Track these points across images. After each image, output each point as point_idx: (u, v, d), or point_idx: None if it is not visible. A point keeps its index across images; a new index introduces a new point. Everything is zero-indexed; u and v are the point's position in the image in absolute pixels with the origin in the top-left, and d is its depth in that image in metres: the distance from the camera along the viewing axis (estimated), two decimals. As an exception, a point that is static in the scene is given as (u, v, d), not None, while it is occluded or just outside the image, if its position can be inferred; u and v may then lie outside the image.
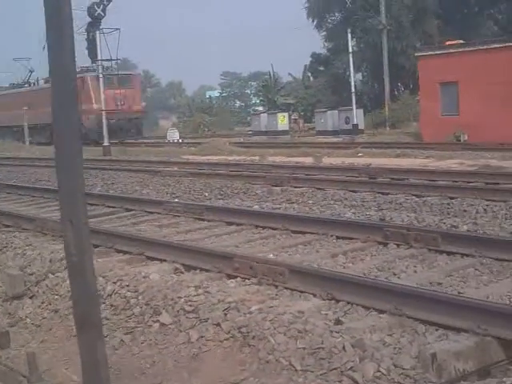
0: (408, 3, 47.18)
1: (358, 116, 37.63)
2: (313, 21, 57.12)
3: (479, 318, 4.58)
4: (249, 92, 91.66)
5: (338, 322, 4.91)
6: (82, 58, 37.28)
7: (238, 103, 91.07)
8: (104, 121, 32.68)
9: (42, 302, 6.54)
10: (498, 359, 4.38)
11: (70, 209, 2.99)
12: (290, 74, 67.46)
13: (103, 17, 34.48)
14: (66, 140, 2.97)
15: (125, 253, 7.88)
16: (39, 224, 9.77)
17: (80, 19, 34.22)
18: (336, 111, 39.74)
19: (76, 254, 3.01)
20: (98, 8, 34.29)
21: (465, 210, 10.10)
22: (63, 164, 3.00)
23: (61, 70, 2.94)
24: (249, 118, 60.60)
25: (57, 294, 6.56)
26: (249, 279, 6.30)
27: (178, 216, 10.51)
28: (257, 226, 9.18)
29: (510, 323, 4.44)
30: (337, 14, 56.58)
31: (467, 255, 6.87)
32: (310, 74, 61.38)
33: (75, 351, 5.11)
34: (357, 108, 37.87)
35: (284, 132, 41.74)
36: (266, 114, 44.78)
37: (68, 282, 6.43)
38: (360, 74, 53.38)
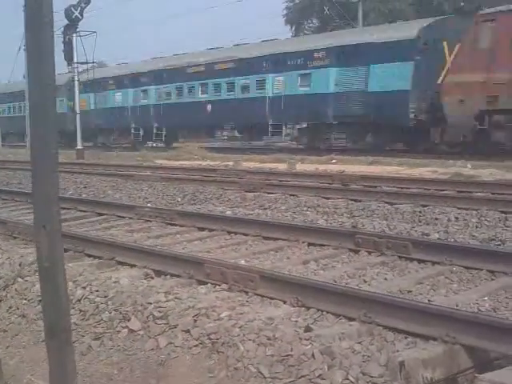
0: (385, 11, 47.51)
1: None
2: (291, 27, 57.45)
3: (448, 325, 4.59)
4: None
5: (307, 329, 4.90)
6: (57, 61, 36.99)
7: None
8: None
9: (10, 307, 6.45)
10: (466, 367, 4.39)
11: (44, 214, 2.97)
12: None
13: (80, 19, 34.25)
14: (42, 144, 2.95)
15: (95, 257, 7.82)
16: (10, 227, 9.67)
17: (57, 21, 34.00)
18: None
19: (48, 259, 2.98)
20: (76, 10, 34.04)
21: (436, 218, 10.16)
22: (38, 169, 2.98)
23: (39, 74, 2.92)
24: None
25: (25, 299, 6.48)
26: (220, 285, 6.27)
27: (150, 221, 10.46)
28: (229, 232, 9.16)
29: (478, 331, 4.46)
30: (314, 21, 56.87)
31: (438, 263, 6.90)
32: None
33: (42, 357, 5.08)
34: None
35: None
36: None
37: (37, 286, 6.41)
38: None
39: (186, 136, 40.80)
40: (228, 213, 11.35)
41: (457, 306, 5.32)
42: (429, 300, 5.64)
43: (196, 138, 39.90)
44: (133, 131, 40.58)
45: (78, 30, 34.33)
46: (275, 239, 8.50)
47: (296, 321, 5.17)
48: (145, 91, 40.02)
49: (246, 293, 6.01)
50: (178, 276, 6.71)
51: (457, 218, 10.09)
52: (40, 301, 6.20)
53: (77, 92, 34.23)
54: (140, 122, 40.04)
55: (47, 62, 2.90)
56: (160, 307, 5.51)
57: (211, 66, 34.78)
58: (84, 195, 15.12)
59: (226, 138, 43.84)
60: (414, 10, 46.98)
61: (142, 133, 40.43)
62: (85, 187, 16.78)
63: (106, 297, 5.99)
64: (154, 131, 38.88)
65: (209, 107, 34.64)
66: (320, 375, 4.22)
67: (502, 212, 10.32)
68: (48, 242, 2.96)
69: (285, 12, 58.57)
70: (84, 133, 34.81)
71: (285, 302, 5.67)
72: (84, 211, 11.89)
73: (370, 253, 7.50)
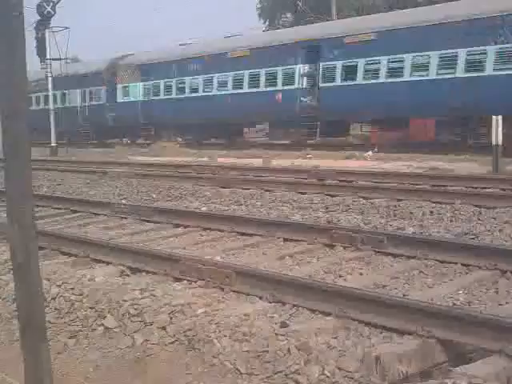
0: (357, 6, 47.71)
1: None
2: (264, 22, 57.44)
3: (423, 319, 4.62)
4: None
5: (283, 324, 4.91)
6: (30, 57, 36.68)
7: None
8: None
9: (-16, 306, 6.39)
10: (441, 361, 4.42)
11: (17, 211, 2.96)
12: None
13: (53, 15, 33.96)
14: (14, 141, 2.93)
15: (70, 255, 7.77)
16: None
17: (29, 17, 33.70)
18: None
19: (22, 256, 2.97)
20: (48, 6, 33.76)
21: (411, 212, 10.22)
22: (11, 166, 2.96)
23: (11, 71, 2.90)
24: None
25: (-1, 298, 6.43)
26: (195, 282, 6.25)
27: (125, 218, 10.42)
28: (204, 228, 9.15)
29: (453, 325, 4.49)
30: (288, 15, 56.90)
31: (413, 257, 6.94)
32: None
33: (16, 356, 5.03)
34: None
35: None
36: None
37: (11, 285, 6.34)
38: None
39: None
40: (203, 209, 11.33)
41: (432, 299, 5.35)
42: (404, 294, 5.67)
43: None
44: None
45: (50, 25, 34.01)
46: (251, 235, 8.50)
47: (272, 316, 5.18)
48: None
49: (222, 289, 6.00)
50: (154, 273, 6.69)
51: (431, 212, 10.15)
52: (15, 299, 6.16)
53: (50, 88, 33.97)
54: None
55: (18, 56, 2.88)
56: (136, 304, 5.49)
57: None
58: (58, 192, 15.01)
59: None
60: (387, 3, 47.13)
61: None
62: (59, 184, 16.67)
63: (81, 295, 5.96)
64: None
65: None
66: (296, 370, 4.23)
67: (476, 206, 10.39)
68: (22, 239, 2.95)
69: (259, 5, 58.63)
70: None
71: (261, 298, 5.68)
72: (58, 209, 11.81)
73: (345, 248, 7.52)
